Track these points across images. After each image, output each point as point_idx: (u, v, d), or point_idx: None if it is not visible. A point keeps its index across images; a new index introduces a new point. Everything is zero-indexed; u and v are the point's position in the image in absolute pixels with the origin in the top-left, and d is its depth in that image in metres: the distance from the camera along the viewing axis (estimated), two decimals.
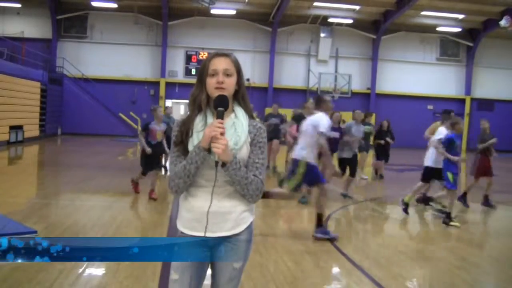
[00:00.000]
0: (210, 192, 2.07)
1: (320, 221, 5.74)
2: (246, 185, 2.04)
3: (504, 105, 26.75)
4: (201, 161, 2.01)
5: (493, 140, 8.84)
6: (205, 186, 2.08)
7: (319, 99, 6.15)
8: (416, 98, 26.32)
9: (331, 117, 8.00)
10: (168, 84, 24.93)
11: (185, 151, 2.09)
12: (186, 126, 2.10)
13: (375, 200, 8.97)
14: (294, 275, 4.30)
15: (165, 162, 10.71)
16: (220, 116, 2.00)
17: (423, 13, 23.69)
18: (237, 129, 2.08)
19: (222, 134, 1.95)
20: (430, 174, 7.47)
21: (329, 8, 23.66)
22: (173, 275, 2.11)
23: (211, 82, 2.07)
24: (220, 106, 2.01)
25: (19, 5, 23.37)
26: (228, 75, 2.08)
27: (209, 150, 1.99)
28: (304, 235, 6.04)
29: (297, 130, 8.08)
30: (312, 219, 6.32)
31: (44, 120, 20.78)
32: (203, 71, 2.11)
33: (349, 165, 8.89)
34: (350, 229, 6.79)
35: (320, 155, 6.12)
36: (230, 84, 2.08)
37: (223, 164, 1.99)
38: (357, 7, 23.79)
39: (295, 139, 9.25)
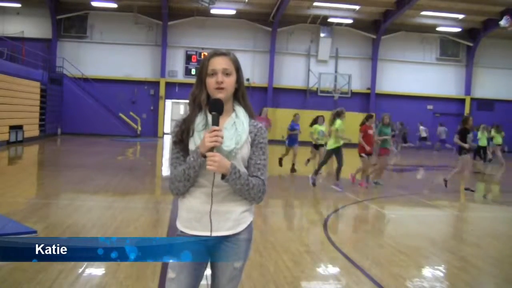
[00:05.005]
0: (210, 192, 2.06)
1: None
2: (247, 191, 2.05)
3: (504, 105, 26.75)
4: (198, 166, 2.01)
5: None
6: (204, 186, 2.08)
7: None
8: (416, 98, 26.32)
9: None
10: (168, 84, 24.94)
11: (185, 150, 2.09)
12: (187, 125, 2.10)
13: (375, 200, 8.97)
14: (294, 275, 4.30)
15: None
16: (215, 121, 1.99)
17: (423, 13, 23.70)
18: (238, 128, 2.08)
19: (220, 140, 1.95)
20: None
21: (329, 8, 23.66)
22: (170, 274, 2.11)
23: (210, 82, 2.07)
24: (215, 110, 2.00)
25: (19, 5, 23.37)
26: (227, 74, 2.07)
27: (205, 156, 1.98)
28: (304, 235, 6.05)
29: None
30: (310, 221, 6.34)
31: (44, 120, 20.78)
32: (202, 71, 2.10)
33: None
34: (350, 229, 6.79)
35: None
36: (229, 84, 2.08)
37: (223, 176, 1.99)
38: (357, 7, 23.80)
39: None
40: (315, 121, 12.31)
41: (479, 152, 16.07)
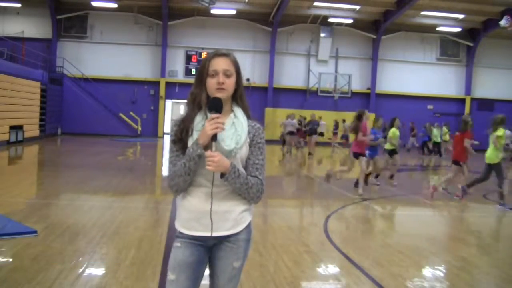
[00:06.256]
0: (210, 192, 2.06)
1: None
2: (247, 190, 2.05)
3: (504, 105, 26.74)
4: (198, 157, 2.00)
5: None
6: (204, 186, 2.08)
7: None
8: (416, 98, 26.34)
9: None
10: (168, 84, 24.95)
11: (184, 149, 2.09)
12: (186, 124, 2.10)
13: (375, 200, 8.97)
14: (294, 275, 4.30)
15: None
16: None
17: (423, 13, 23.72)
18: (237, 128, 2.08)
19: (221, 126, 1.96)
20: None
21: (329, 8, 23.68)
22: (170, 276, 2.11)
23: (211, 83, 2.07)
24: (214, 109, 2.01)
25: (19, 5, 23.39)
26: (228, 75, 2.08)
27: (205, 147, 1.99)
28: (304, 235, 6.05)
29: None
30: (310, 221, 6.34)
31: (44, 120, 20.79)
32: (203, 71, 2.10)
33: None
34: (350, 229, 6.79)
35: None
36: (230, 85, 2.09)
37: (222, 175, 1.99)
38: (357, 7, 23.81)
39: None
40: (391, 124, 10.63)
41: (432, 147, 19.08)
